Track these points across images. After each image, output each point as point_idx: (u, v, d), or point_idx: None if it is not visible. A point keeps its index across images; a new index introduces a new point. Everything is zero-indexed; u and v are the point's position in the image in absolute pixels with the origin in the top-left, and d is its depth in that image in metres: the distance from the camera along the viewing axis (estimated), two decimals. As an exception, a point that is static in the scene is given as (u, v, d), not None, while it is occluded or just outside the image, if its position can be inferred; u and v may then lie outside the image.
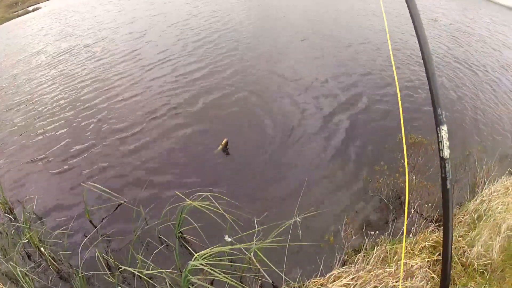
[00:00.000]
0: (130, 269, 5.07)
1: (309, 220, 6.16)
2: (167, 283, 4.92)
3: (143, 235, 6.10)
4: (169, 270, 5.03)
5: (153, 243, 5.91)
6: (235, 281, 4.82)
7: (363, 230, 5.92)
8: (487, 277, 5.42)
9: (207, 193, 5.89)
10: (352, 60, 13.69)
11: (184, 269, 4.84)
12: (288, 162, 8.00)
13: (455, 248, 5.70)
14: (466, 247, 5.77)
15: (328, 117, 9.64)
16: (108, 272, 5.29)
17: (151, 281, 5.16)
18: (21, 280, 4.96)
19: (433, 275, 5.25)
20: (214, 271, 4.67)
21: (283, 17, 19.37)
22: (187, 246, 5.92)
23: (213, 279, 5.00)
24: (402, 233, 5.82)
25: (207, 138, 8.78)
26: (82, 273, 5.07)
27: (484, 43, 17.07)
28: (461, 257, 5.66)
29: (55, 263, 5.59)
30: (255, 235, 5.41)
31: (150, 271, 4.94)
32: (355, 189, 7.19)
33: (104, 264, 5.34)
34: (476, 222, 6.22)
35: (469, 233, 6.02)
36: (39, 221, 6.60)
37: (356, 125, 9.30)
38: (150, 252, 5.53)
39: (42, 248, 5.61)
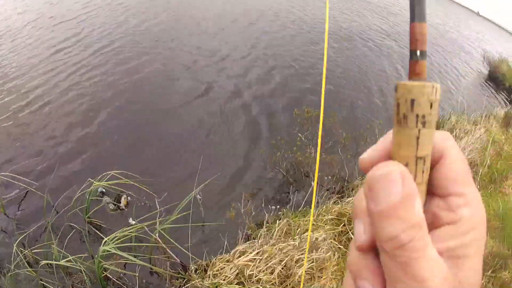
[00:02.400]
0: (48, 261, 4.73)
1: (209, 198, 5.95)
2: (83, 271, 4.57)
3: (56, 223, 5.59)
4: (84, 255, 4.77)
5: (65, 231, 5.46)
6: (145, 263, 4.73)
7: (264, 204, 5.74)
8: None
9: (112, 172, 5.69)
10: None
11: (96, 256, 4.60)
12: (182, 139, 7.64)
13: None
14: None
15: (226, 91, 9.42)
16: (28, 267, 4.81)
17: (69, 271, 4.85)
18: None
19: (339, 246, 5.09)
20: (124, 255, 4.51)
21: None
22: (96, 231, 5.57)
23: (125, 263, 4.81)
24: (304, 206, 5.67)
25: (109, 118, 8.17)
26: (10, 271, 4.66)
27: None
28: None
29: None
30: (158, 215, 5.17)
31: (64, 263, 4.63)
32: (253, 164, 6.96)
33: (23, 259, 4.84)
34: None
35: None
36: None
37: (253, 99, 9.16)
38: (63, 241, 5.17)
39: None
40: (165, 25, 13.77)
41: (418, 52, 0.49)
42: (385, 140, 0.50)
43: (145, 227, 4.87)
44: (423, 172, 0.47)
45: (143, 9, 15.22)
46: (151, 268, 4.90)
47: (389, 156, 0.49)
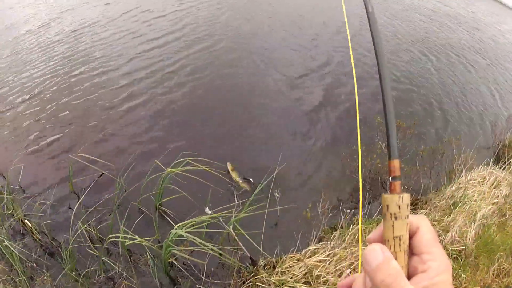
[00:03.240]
0: (114, 239, 4.90)
1: (287, 195, 6.14)
2: (148, 254, 4.79)
3: (124, 206, 5.85)
4: (152, 239, 4.88)
5: (134, 215, 5.71)
6: (215, 252, 4.80)
7: (340, 208, 5.92)
8: (461, 262, 5.42)
9: (188, 159, 5.68)
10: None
11: (165, 239, 4.70)
12: (267, 134, 7.94)
13: None
14: (440, 231, 5.77)
15: (313, 97, 9.60)
16: (91, 244, 5.08)
17: (133, 253, 5.11)
18: (6, 253, 4.73)
19: None
20: (196, 240, 4.59)
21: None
22: (166, 217, 5.80)
23: (192, 250, 4.91)
24: (377, 214, 5.84)
25: (190, 106, 8.58)
26: (67, 246, 4.81)
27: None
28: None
29: (39, 236, 5.31)
30: (235, 208, 5.29)
31: (133, 241, 4.71)
32: (334, 168, 7.16)
33: (87, 237, 5.12)
34: (452, 208, 6.24)
35: (444, 218, 6.03)
36: (24, 195, 6.10)
37: (337, 106, 9.28)
38: (131, 223, 5.32)
39: (26, 221, 5.35)
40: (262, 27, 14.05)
41: (391, 178, 0.89)
42: (380, 228, 0.86)
43: (219, 217, 4.97)
44: (400, 245, 0.81)
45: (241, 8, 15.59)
46: (220, 259, 5.08)
47: (381, 237, 0.85)
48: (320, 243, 5.22)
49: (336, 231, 5.43)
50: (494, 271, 5.61)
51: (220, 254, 5.02)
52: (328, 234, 5.47)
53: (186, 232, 4.59)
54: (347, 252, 4.93)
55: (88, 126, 7.76)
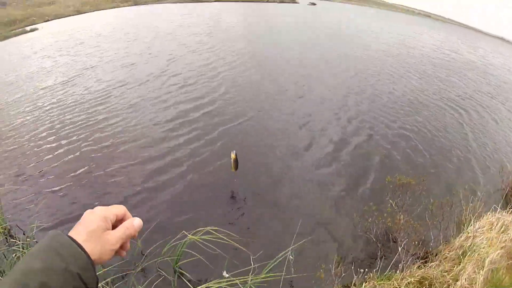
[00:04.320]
0: None
1: (302, 256, 6.62)
2: None
3: (143, 269, 6.26)
4: None
5: (153, 277, 6.06)
6: None
7: (353, 267, 6.31)
8: None
9: (208, 228, 6.03)
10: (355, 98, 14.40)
11: None
12: (282, 199, 8.47)
13: (440, 282, 6.07)
14: (450, 281, 6.15)
15: (322, 157, 10.28)
16: None
17: None
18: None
19: None
20: None
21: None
22: (185, 280, 6.12)
23: None
24: (390, 270, 6.27)
25: (210, 174, 9.25)
26: None
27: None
28: None
29: None
30: (251, 271, 5.68)
31: None
32: (346, 228, 7.60)
33: None
34: (461, 257, 6.58)
35: (454, 268, 6.39)
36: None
37: (347, 165, 9.90)
38: (149, 286, 5.75)
39: None
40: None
41: None
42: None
43: (237, 281, 5.28)
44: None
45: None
46: None
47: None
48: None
49: (350, 289, 5.85)
50: None
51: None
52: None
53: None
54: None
55: (111, 190, 8.45)
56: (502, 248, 6.97)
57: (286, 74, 17.96)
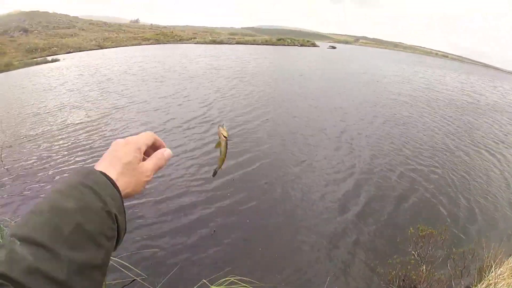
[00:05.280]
0: None
1: None
2: None
3: None
4: None
5: None
6: None
7: None
8: None
9: (233, 278, 5.78)
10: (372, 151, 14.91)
11: None
12: (303, 249, 8.61)
13: None
14: None
15: (344, 207, 10.57)
16: None
17: None
18: None
19: None
20: None
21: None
22: None
23: None
24: None
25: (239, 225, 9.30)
26: None
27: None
28: None
29: None
30: None
31: None
32: (370, 282, 7.79)
33: None
34: None
35: None
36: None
37: (369, 218, 10.16)
38: None
39: None
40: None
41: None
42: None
43: None
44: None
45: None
46: None
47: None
48: None
49: None
50: None
51: None
52: None
53: None
54: None
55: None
56: None
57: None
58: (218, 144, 2.07)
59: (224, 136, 2.06)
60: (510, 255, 8.16)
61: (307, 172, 12.55)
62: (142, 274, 6.72)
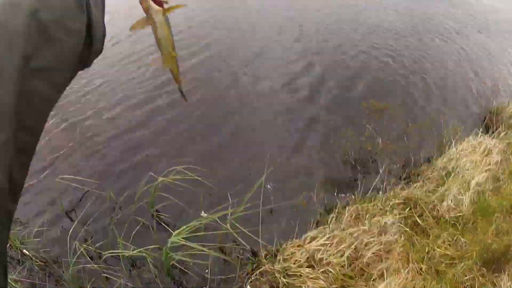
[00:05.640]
0: (114, 253, 4.91)
1: (280, 184, 6.21)
2: (149, 262, 4.84)
3: (120, 219, 5.77)
4: (151, 247, 4.91)
5: (131, 226, 5.58)
6: (215, 252, 4.82)
7: (335, 192, 5.99)
8: (459, 228, 5.56)
9: (179, 167, 5.70)
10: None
11: (164, 247, 4.71)
12: (249, 130, 7.97)
13: (425, 202, 5.80)
14: (436, 201, 5.87)
15: (295, 87, 9.67)
16: (91, 261, 5.04)
17: (134, 263, 5.10)
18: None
19: (406, 229, 5.32)
20: (194, 246, 4.63)
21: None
22: (163, 224, 5.72)
23: (195, 253, 4.83)
24: (372, 191, 5.90)
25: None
26: (68, 268, 4.77)
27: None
28: (432, 210, 5.78)
29: (40, 263, 5.23)
30: (230, 206, 5.31)
31: (132, 252, 4.80)
32: (325, 154, 7.15)
33: (86, 254, 5.05)
34: (445, 178, 6.34)
35: (439, 189, 6.13)
36: (20, 225, 5.89)
37: (321, 96, 9.30)
38: (128, 234, 5.29)
39: (24, 250, 5.27)
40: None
41: None
42: None
43: (216, 218, 4.97)
44: None
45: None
46: (222, 257, 5.04)
47: None
48: (319, 228, 5.24)
49: (332, 213, 5.46)
50: (493, 231, 5.71)
51: (222, 253, 5.08)
52: (325, 218, 5.47)
53: (183, 238, 4.63)
54: (346, 233, 4.98)
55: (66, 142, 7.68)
56: (487, 171, 6.77)
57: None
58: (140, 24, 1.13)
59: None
60: (471, 134, 7.51)
61: (258, 58, 11.35)
62: (94, 182, 6.31)
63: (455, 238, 5.42)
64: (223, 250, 5.17)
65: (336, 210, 5.53)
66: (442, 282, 4.82)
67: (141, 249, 4.73)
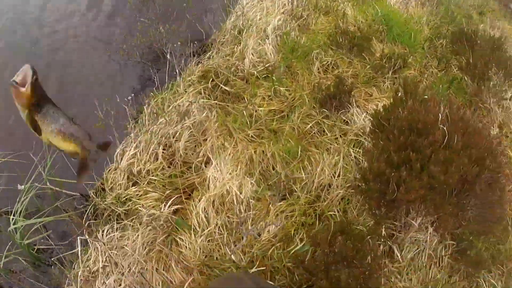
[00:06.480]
0: None
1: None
2: None
3: None
4: None
5: None
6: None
7: (129, 95, 4.96)
8: (274, 78, 5.13)
9: None
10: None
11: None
12: None
13: (226, 67, 5.32)
14: (237, 62, 5.43)
15: None
16: None
17: None
18: None
19: (212, 101, 4.88)
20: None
21: None
22: None
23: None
24: (169, 81, 5.31)
25: None
26: None
27: None
28: (237, 73, 5.32)
29: None
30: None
31: None
32: (105, 63, 6.24)
33: None
34: (239, 36, 5.87)
35: (235, 49, 5.67)
36: None
37: None
38: None
39: None
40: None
41: None
42: None
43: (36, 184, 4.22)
44: None
45: None
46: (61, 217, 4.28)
47: None
48: (123, 142, 4.61)
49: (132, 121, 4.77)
50: (319, 68, 5.48)
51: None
52: (131, 125, 4.71)
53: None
54: (149, 133, 4.41)
55: None
56: (282, 13, 6.33)
57: None
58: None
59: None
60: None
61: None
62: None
63: (272, 90, 5.05)
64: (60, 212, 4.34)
65: (140, 114, 4.96)
66: (282, 139, 4.47)
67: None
